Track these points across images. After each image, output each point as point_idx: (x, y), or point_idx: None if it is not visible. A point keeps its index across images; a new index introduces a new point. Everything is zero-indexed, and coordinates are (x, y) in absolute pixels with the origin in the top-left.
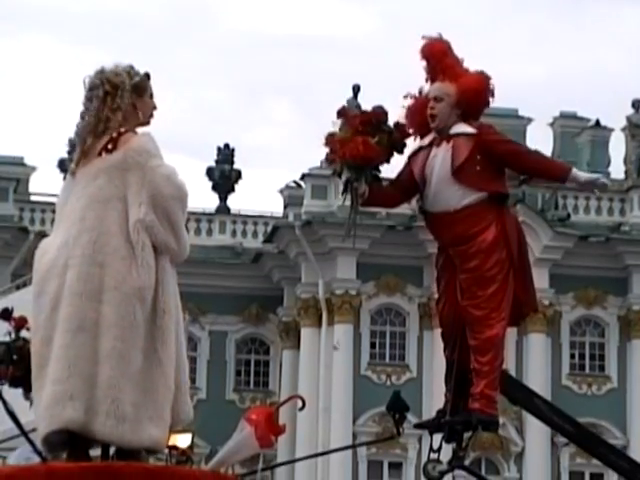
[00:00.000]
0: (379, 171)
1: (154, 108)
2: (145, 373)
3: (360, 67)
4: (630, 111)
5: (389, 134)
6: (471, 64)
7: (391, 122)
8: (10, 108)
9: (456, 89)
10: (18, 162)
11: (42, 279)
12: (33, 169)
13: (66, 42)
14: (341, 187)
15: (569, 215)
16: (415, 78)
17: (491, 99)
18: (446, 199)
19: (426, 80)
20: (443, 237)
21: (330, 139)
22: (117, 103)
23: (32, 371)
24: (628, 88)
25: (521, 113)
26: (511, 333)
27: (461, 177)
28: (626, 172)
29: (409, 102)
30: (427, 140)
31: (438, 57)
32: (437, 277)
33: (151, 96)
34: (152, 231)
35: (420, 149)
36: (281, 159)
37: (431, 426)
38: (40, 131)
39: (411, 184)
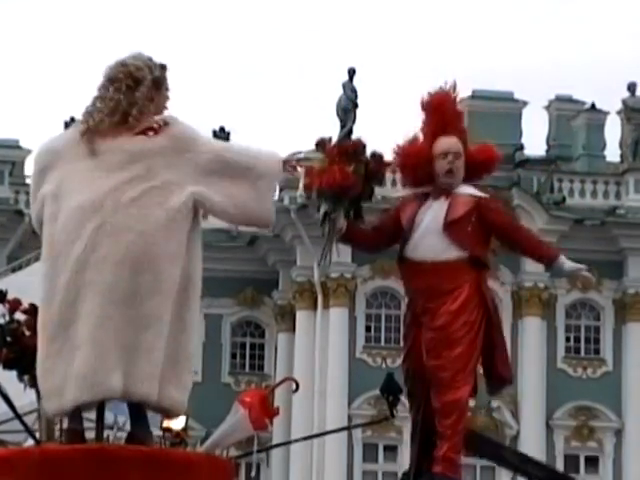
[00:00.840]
0: (360, 207)
1: (168, 99)
2: (172, 339)
3: (356, 50)
4: (626, 94)
5: (366, 164)
6: (468, 48)
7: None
8: (5, 90)
9: (473, 154)
10: (14, 145)
11: (61, 241)
12: (29, 152)
13: (61, 23)
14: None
15: (564, 198)
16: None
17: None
18: (428, 248)
19: (422, 130)
20: (415, 287)
21: (309, 170)
22: (136, 97)
23: (47, 333)
24: (624, 71)
25: (516, 96)
26: (506, 316)
27: (451, 231)
28: (621, 155)
29: (404, 145)
30: (421, 190)
31: (448, 113)
32: (404, 334)
33: (167, 89)
34: (202, 201)
35: (414, 198)
36: (276, 142)
37: None
38: (36, 114)
39: (397, 229)
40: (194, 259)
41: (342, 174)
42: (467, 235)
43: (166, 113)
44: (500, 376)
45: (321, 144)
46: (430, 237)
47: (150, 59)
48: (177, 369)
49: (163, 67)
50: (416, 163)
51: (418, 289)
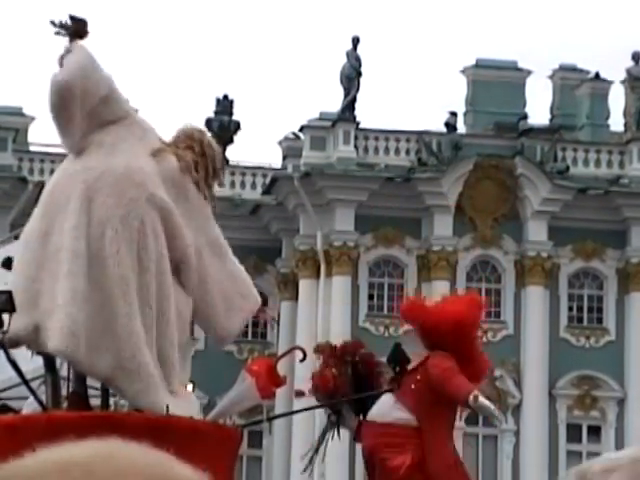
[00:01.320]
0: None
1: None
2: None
3: (360, 18)
4: (630, 63)
5: (353, 365)
6: (472, 16)
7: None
8: (8, 57)
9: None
10: (17, 112)
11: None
12: (32, 119)
13: None
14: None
15: (568, 168)
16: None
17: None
18: (379, 408)
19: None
20: (365, 445)
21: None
22: (199, 167)
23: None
24: (628, 40)
25: (521, 65)
26: (509, 285)
27: (399, 392)
28: (625, 125)
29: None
30: None
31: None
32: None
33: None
34: None
35: None
36: (280, 110)
37: None
38: (39, 81)
39: None
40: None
41: (321, 379)
42: (412, 394)
43: None
44: None
45: (319, 350)
46: (383, 398)
47: (220, 152)
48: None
49: (221, 168)
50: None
51: (366, 448)
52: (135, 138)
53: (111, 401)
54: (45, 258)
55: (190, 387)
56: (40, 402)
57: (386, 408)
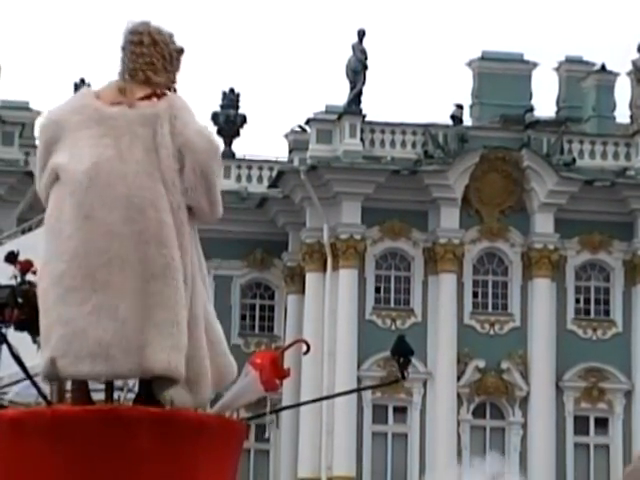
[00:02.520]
0: None
1: (176, 81)
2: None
3: (366, 11)
4: (636, 55)
5: None
6: (478, 9)
7: None
8: (15, 52)
9: None
10: (23, 106)
11: (72, 193)
12: (38, 113)
13: None
14: (347, 131)
15: (574, 160)
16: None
17: None
18: None
19: None
20: None
21: None
22: (154, 58)
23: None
24: (634, 32)
25: (527, 57)
26: (516, 278)
27: None
28: (631, 117)
29: None
30: None
31: None
32: None
33: (179, 69)
34: (185, 191)
35: None
36: (286, 104)
37: None
38: (45, 75)
39: None
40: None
41: None
42: None
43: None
44: None
45: None
46: None
47: (172, 34)
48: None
49: (181, 49)
50: None
51: None
52: None
53: (115, 395)
54: None
55: None
56: (44, 397)
57: None
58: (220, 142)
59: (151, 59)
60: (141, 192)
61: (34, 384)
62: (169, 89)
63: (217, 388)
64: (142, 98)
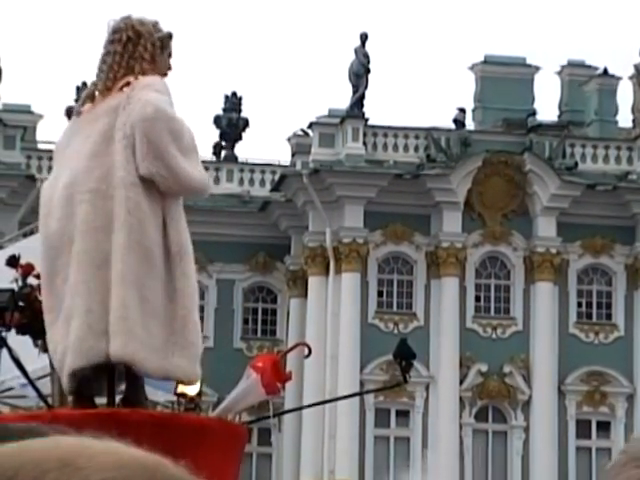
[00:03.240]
0: None
1: (169, 68)
2: (164, 307)
3: (369, 15)
4: (638, 59)
5: None
6: (480, 13)
7: None
8: (17, 56)
9: None
10: (25, 110)
11: (49, 216)
12: (40, 117)
13: None
14: (349, 135)
15: (577, 164)
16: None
17: None
18: None
19: None
20: None
21: None
22: (138, 52)
23: (45, 305)
24: (636, 37)
25: (529, 61)
26: (518, 282)
27: None
28: (634, 121)
29: None
30: None
31: None
32: None
33: (169, 55)
34: (137, 161)
35: None
36: (289, 107)
37: None
38: (47, 79)
39: None
40: (177, 223)
41: None
42: None
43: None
44: None
45: None
46: None
47: (157, 22)
48: (175, 334)
49: (169, 34)
50: None
51: None
52: None
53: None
54: None
55: (197, 385)
56: (45, 401)
57: None
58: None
59: (134, 53)
60: (86, 184)
61: (34, 387)
62: (161, 76)
63: None
64: (119, 89)
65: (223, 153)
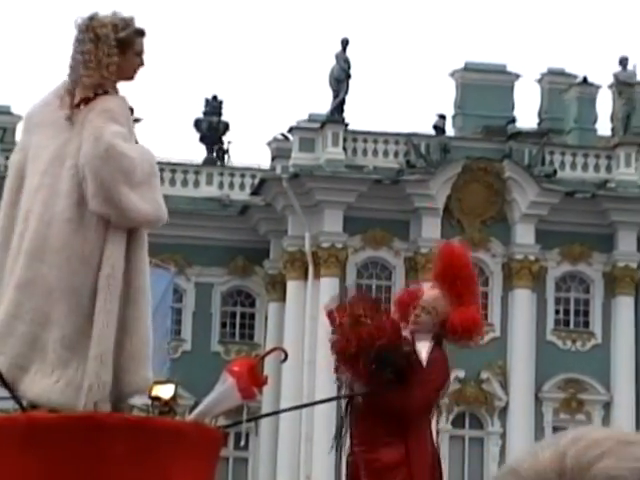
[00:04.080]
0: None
1: (140, 65)
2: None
3: (349, 20)
4: (617, 68)
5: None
6: (461, 20)
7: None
8: None
9: (447, 314)
10: (5, 111)
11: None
12: (20, 118)
13: None
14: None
15: (556, 171)
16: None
17: (478, 337)
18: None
19: (433, 279)
20: (357, 432)
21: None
22: (98, 56)
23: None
24: (616, 45)
25: (509, 69)
26: (496, 288)
27: None
28: (613, 129)
29: (401, 295)
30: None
31: (457, 272)
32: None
33: (138, 54)
34: (87, 198)
35: None
36: (269, 112)
37: None
38: (27, 79)
39: None
40: (116, 259)
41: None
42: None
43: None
44: None
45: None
46: None
47: (122, 19)
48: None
49: (136, 31)
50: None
51: (358, 435)
52: None
53: None
54: None
55: (171, 388)
56: (20, 403)
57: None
58: (202, 148)
59: (90, 56)
60: (39, 207)
61: (9, 390)
62: (127, 78)
63: None
64: (77, 104)
65: (203, 156)
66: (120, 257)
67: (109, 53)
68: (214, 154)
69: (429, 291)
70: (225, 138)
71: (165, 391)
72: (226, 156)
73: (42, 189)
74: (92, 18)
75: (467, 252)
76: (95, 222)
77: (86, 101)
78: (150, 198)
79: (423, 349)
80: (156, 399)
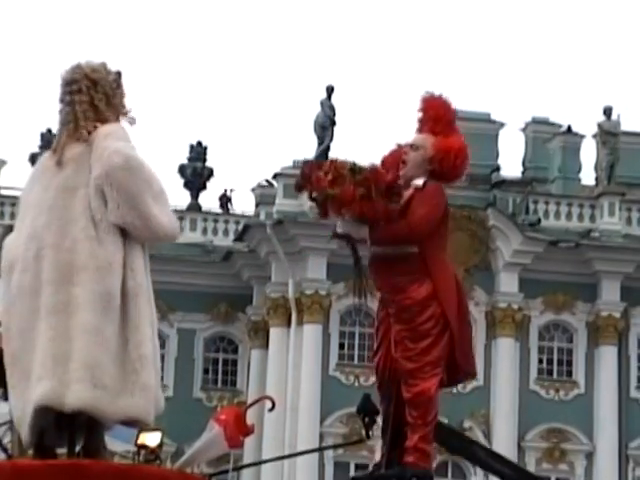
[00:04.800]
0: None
1: (125, 106)
2: (122, 349)
3: (334, 68)
4: (601, 118)
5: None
6: (445, 68)
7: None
8: None
9: (433, 144)
10: None
11: (11, 271)
12: (3, 163)
13: (38, 34)
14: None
15: (539, 220)
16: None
17: (466, 167)
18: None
19: (416, 131)
20: (379, 283)
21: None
22: (97, 98)
23: (6, 362)
24: (600, 95)
25: (493, 117)
26: (480, 337)
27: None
28: (597, 179)
29: (384, 157)
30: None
31: (435, 114)
32: (375, 329)
33: (123, 94)
34: (109, 210)
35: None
36: (254, 158)
37: (367, 479)
38: (11, 125)
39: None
40: (136, 269)
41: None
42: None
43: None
44: (461, 370)
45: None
46: None
47: (105, 64)
48: (135, 376)
49: (118, 73)
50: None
51: (383, 283)
52: None
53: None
54: None
55: (158, 436)
56: (5, 450)
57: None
58: (186, 194)
59: (93, 100)
60: (46, 239)
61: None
62: (120, 117)
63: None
64: (77, 139)
65: (187, 202)
66: (141, 268)
67: (110, 92)
68: (219, 203)
69: (415, 135)
70: (209, 184)
71: (151, 439)
72: (229, 204)
73: (53, 224)
74: (80, 67)
75: (446, 99)
76: (111, 238)
77: (87, 134)
78: (167, 212)
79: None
80: (143, 447)
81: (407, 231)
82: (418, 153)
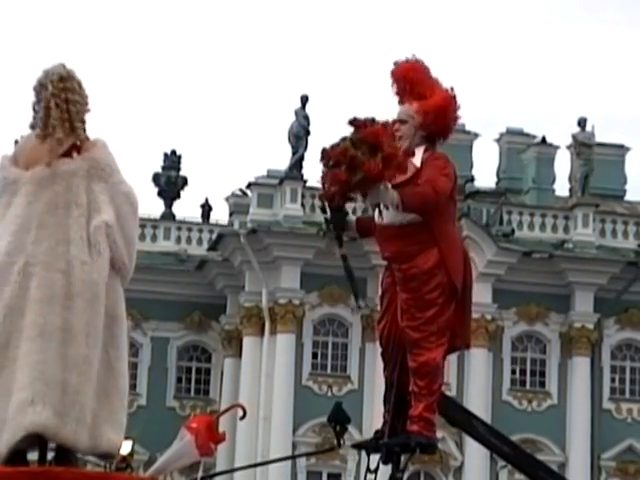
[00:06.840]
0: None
1: (89, 111)
2: (101, 379)
3: (309, 77)
4: (576, 129)
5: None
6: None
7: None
8: None
9: (418, 111)
10: None
11: None
12: None
13: (18, 41)
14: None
15: (513, 231)
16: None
17: (456, 117)
18: (393, 213)
19: (398, 104)
20: (386, 251)
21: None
22: (63, 107)
23: None
24: (574, 106)
25: (468, 128)
26: None
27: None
28: (571, 190)
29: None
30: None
31: (408, 78)
32: (381, 295)
33: (86, 98)
34: (113, 242)
35: None
36: (228, 167)
37: (369, 447)
38: None
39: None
40: (118, 297)
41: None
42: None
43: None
44: (457, 339)
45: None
46: None
47: (69, 70)
48: (111, 407)
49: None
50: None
51: (389, 253)
52: None
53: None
54: None
55: (129, 444)
56: None
57: (400, 214)
58: (160, 203)
59: (75, 106)
60: (37, 256)
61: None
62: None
63: None
64: (63, 154)
65: (161, 211)
66: (122, 301)
67: (74, 102)
68: (201, 211)
69: (399, 109)
70: (183, 193)
71: (122, 447)
72: (211, 213)
73: (44, 241)
74: (47, 74)
75: (413, 60)
76: (105, 264)
77: (78, 149)
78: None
79: (418, 154)
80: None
81: (434, 196)
82: (408, 125)
